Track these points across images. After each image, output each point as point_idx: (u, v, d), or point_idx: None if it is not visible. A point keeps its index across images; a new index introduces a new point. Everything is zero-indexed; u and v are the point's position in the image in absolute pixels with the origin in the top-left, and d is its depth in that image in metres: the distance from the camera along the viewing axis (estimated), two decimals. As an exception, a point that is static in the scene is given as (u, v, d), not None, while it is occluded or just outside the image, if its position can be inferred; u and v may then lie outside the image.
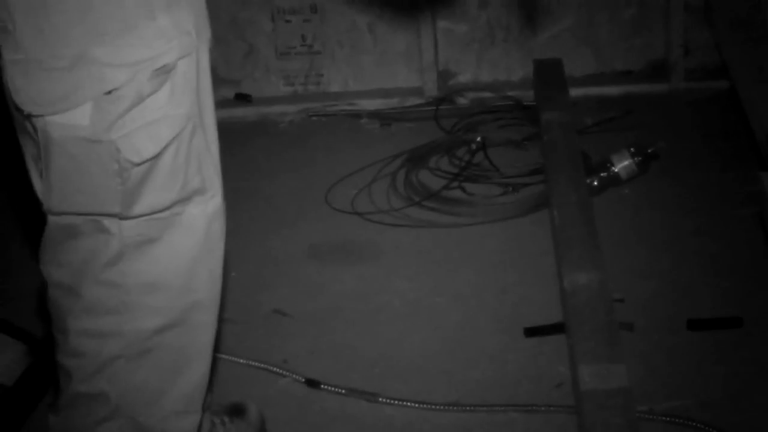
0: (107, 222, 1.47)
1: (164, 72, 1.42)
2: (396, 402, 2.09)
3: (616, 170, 2.76)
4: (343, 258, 2.59)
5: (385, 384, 2.15)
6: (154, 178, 1.46)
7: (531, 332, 2.26)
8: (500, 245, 2.58)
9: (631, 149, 2.78)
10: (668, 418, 1.98)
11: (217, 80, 3.24)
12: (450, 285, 2.45)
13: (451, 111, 3.21)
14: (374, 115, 3.23)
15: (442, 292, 2.42)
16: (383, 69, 3.31)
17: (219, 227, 1.56)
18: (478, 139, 3.00)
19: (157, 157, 1.44)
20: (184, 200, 1.50)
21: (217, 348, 1.95)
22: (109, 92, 1.39)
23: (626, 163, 2.77)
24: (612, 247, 2.45)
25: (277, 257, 2.60)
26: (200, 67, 1.49)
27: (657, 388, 2.07)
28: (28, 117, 1.42)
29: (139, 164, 1.43)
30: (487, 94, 3.26)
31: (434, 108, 3.21)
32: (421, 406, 2.08)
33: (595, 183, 2.74)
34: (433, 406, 2.08)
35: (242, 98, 3.29)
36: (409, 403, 2.09)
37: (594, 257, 2.28)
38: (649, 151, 2.79)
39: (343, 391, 2.13)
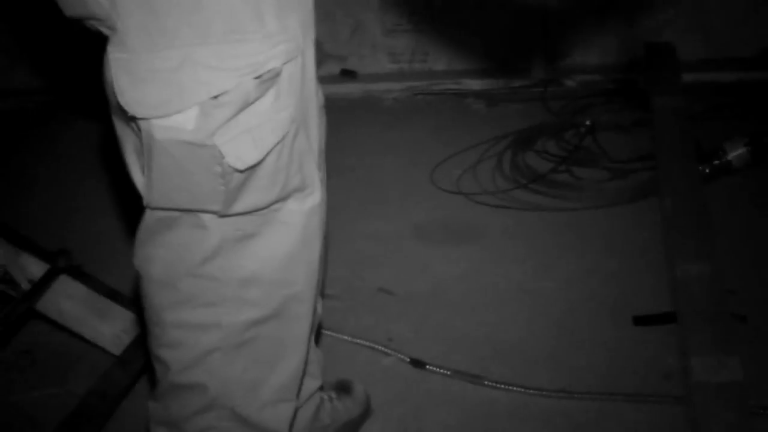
0: (205, 217, 1.46)
1: (270, 77, 1.40)
2: (501, 385, 2.07)
3: (728, 158, 2.70)
4: (448, 238, 2.57)
5: (489, 367, 2.13)
6: (256, 180, 1.44)
7: (640, 321, 2.22)
8: (607, 231, 2.55)
9: (745, 137, 2.72)
10: (782, 415, 1.94)
11: (324, 55, 3.27)
12: (556, 269, 2.42)
13: (558, 93, 3.17)
14: (480, 95, 3.21)
15: (549, 277, 2.39)
16: (488, 49, 3.28)
17: (317, 222, 1.55)
18: (587, 122, 2.96)
19: (261, 161, 1.43)
20: (284, 198, 1.49)
21: (321, 325, 1.96)
22: (215, 97, 1.36)
23: (739, 151, 2.71)
24: (724, 238, 2.40)
25: (381, 236, 2.59)
26: (305, 68, 1.47)
27: (770, 383, 2.02)
28: (132, 118, 1.40)
29: (242, 171, 1.41)
30: (595, 77, 3.21)
31: (541, 89, 3.17)
32: (527, 390, 2.06)
33: (707, 171, 2.68)
34: (539, 392, 2.05)
35: (348, 74, 3.29)
36: (514, 387, 2.07)
37: (707, 247, 2.23)
38: (765, 140, 2.73)
39: (449, 372, 2.11)
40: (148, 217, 1.49)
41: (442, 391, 2.08)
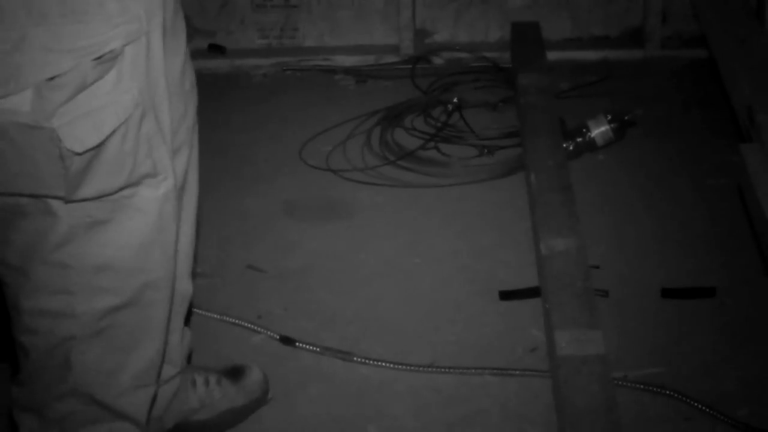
0: (53, 204, 1.44)
1: (110, 59, 1.37)
2: (371, 362, 2.09)
3: (592, 136, 2.76)
4: (318, 215, 2.58)
5: (359, 343, 2.14)
6: (99, 164, 1.42)
7: (506, 295, 2.26)
8: (476, 207, 2.58)
9: (608, 115, 2.78)
10: (642, 386, 1.99)
11: (192, 30, 3.22)
12: (426, 246, 2.44)
13: (427, 70, 3.19)
14: (349, 71, 3.21)
15: (418, 253, 2.42)
16: (360, 25, 3.29)
17: (171, 208, 1.54)
18: (455, 99, 2.99)
19: (102, 144, 1.40)
20: (134, 184, 1.47)
21: (191, 305, 1.94)
22: (51, 79, 1.34)
23: (603, 129, 2.77)
24: (587, 213, 2.45)
25: (251, 213, 2.58)
26: (151, 50, 1.44)
27: (631, 355, 2.08)
28: None
29: (81, 154, 1.39)
30: (463, 55, 3.24)
31: (410, 67, 3.19)
32: (396, 366, 2.08)
33: (571, 148, 2.74)
34: (409, 367, 2.08)
35: (216, 49, 3.26)
36: (384, 363, 2.09)
37: (571, 223, 2.28)
38: (626, 117, 2.79)
39: (318, 349, 2.12)
40: None
41: (313, 368, 2.09)
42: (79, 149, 1.38)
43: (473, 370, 2.07)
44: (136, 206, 1.48)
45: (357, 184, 2.69)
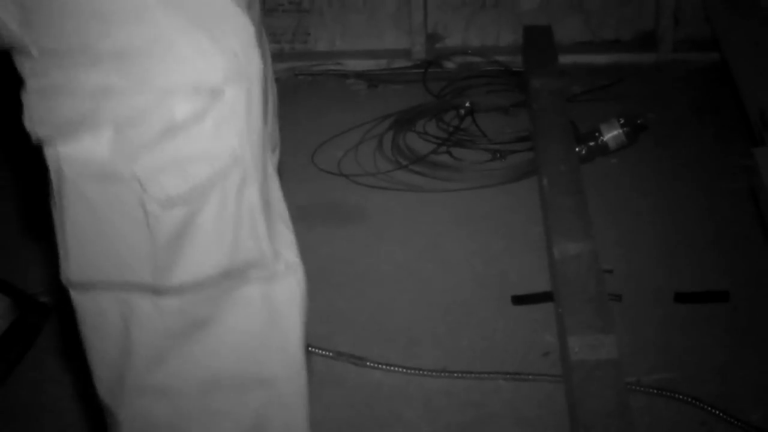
0: (141, 302, 1.16)
1: (204, 96, 1.13)
2: (383, 366, 2.09)
3: (604, 140, 2.76)
4: (330, 220, 2.58)
5: (372, 348, 2.14)
6: (193, 233, 1.15)
7: (519, 300, 2.26)
8: (488, 212, 2.58)
9: (620, 119, 2.77)
10: (656, 391, 1.99)
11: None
12: (438, 250, 2.44)
13: (439, 74, 3.19)
14: (361, 76, 3.21)
15: (431, 257, 2.42)
16: (371, 29, 3.29)
17: (287, 297, 1.23)
18: (467, 104, 2.99)
19: (195, 206, 1.14)
20: (238, 272, 1.18)
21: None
22: (133, 115, 1.12)
23: (615, 132, 2.76)
24: (599, 218, 2.45)
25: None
26: (251, 103, 1.17)
27: (644, 360, 2.07)
28: (40, 146, 1.15)
29: (165, 202, 1.13)
30: (475, 59, 3.24)
31: (422, 71, 3.20)
32: (409, 371, 2.08)
33: (583, 152, 2.73)
34: (421, 372, 2.07)
35: (228, 54, 3.26)
36: (396, 368, 2.09)
37: (584, 227, 2.28)
38: (639, 121, 2.79)
39: (331, 354, 2.12)
40: (76, 305, 1.20)
41: (326, 373, 2.09)
42: (162, 196, 1.13)
43: (486, 375, 2.06)
44: (241, 300, 1.19)
45: (369, 188, 2.69)
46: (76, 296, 1.19)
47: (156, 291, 1.16)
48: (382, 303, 2.28)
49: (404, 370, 2.08)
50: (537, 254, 2.38)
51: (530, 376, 2.06)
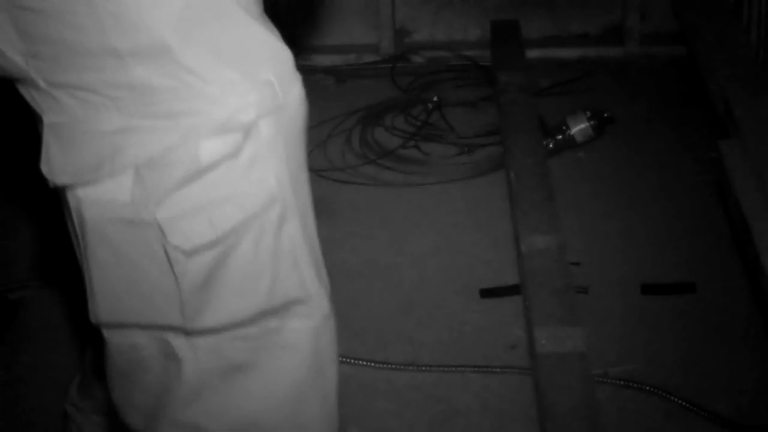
0: (176, 343, 1.12)
1: (236, 134, 1.06)
2: (352, 361, 2.09)
3: (571, 133, 2.77)
4: (299, 215, 2.57)
5: (340, 342, 2.13)
6: (224, 277, 1.09)
7: (487, 293, 2.27)
8: (456, 206, 2.58)
9: (587, 112, 2.78)
10: (622, 382, 2.00)
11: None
12: (407, 245, 2.44)
13: (407, 69, 3.19)
14: (329, 71, 3.21)
15: (399, 252, 2.42)
16: (339, 25, 3.29)
17: (328, 342, 1.19)
18: (434, 98, 2.99)
19: (226, 249, 1.08)
20: (279, 311, 1.13)
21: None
22: (157, 159, 1.05)
23: (582, 126, 2.77)
24: (566, 211, 2.46)
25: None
26: (294, 129, 1.11)
27: (611, 351, 2.09)
28: (59, 192, 1.11)
29: (189, 250, 1.07)
30: (443, 53, 3.25)
31: (390, 66, 3.20)
32: (377, 365, 2.08)
33: (551, 145, 2.74)
34: (390, 366, 2.08)
35: (196, 50, 3.25)
36: (365, 362, 2.09)
37: (551, 220, 2.29)
38: (605, 114, 2.80)
39: (299, 349, 2.12)
40: (108, 343, 1.16)
41: (294, 368, 2.09)
42: (187, 246, 1.07)
43: (454, 368, 2.07)
44: (284, 343, 1.14)
45: (337, 183, 2.69)
46: (107, 333, 1.15)
47: (188, 333, 1.11)
48: (350, 297, 2.28)
49: (373, 365, 2.09)
50: (505, 247, 2.39)
51: (498, 369, 2.07)
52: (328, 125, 2.91)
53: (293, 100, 1.10)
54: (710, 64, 2.57)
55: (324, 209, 2.58)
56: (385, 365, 2.08)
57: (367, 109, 2.99)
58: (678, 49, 3.14)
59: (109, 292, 1.11)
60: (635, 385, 1.99)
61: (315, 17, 3.27)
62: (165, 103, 1.05)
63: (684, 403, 1.95)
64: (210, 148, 1.05)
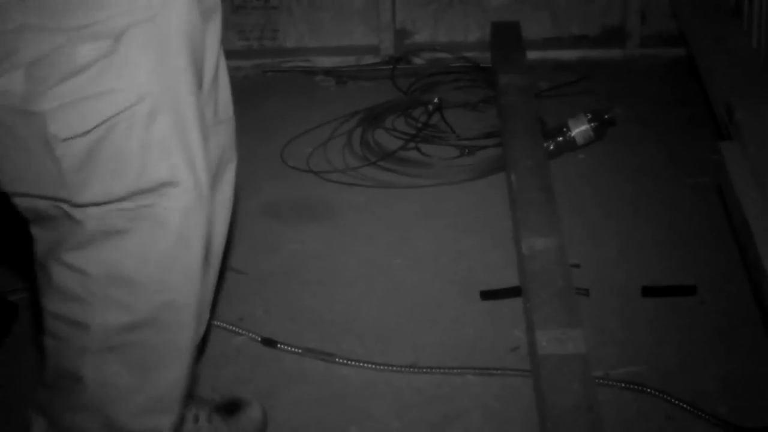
0: (69, 209, 1.37)
1: (107, 38, 1.28)
2: (352, 362, 2.09)
3: (572, 135, 2.77)
4: (299, 217, 2.58)
5: (341, 344, 2.14)
6: (99, 161, 1.33)
7: (487, 295, 2.26)
8: (457, 207, 2.58)
9: (588, 114, 2.78)
10: (623, 384, 2.00)
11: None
12: (407, 246, 2.44)
13: (407, 71, 3.20)
14: (330, 72, 3.21)
15: (400, 254, 2.42)
16: (340, 26, 3.29)
17: (196, 222, 1.42)
18: (435, 100, 2.99)
19: (100, 137, 1.31)
20: (150, 191, 1.37)
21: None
22: (43, 58, 1.27)
23: (582, 128, 2.77)
24: (567, 213, 2.46)
25: (232, 215, 2.56)
26: (169, 37, 1.33)
27: (612, 353, 2.08)
28: None
29: (64, 140, 1.31)
30: (443, 55, 3.25)
31: (391, 67, 3.20)
32: (378, 367, 2.08)
33: (551, 147, 2.74)
34: (390, 368, 2.08)
35: (196, 52, 3.25)
36: (365, 364, 2.09)
37: (552, 222, 2.29)
38: (606, 116, 2.80)
39: (300, 350, 2.12)
40: (18, 206, 1.42)
41: (294, 370, 2.09)
42: (62, 135, 1.30)
43: (455, 370, 2.07)
44: (156, 218, 1.39)
45: (338, 185, 2.69)
46: (16, 200, 1.40)
47: (76, 204, 1.36)
48: (350, 299, 2.28)
49: (373, 366, 2.08)
50: (505, 249, 2.39)
51: (499, 371, 2.06)
52: (329, 127, 2.91)
53: (172, 9, 1.32)
54: (711, 66, 2.57)
55: (325, 211, 2.60)
56: (385, 367, 2.08)
57: (368, 110, 2.99)
58: (678, 50, 3.15)
59: (10, 167, 1.35)
60: (636, 388, 1.99)
61: (315, 18, 3.28)
62: (58, 6, 1.25)
63: (685, 406, 1.94)
64: (86, 49, 1.27)
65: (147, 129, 1.34)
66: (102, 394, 1.50)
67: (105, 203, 1.37)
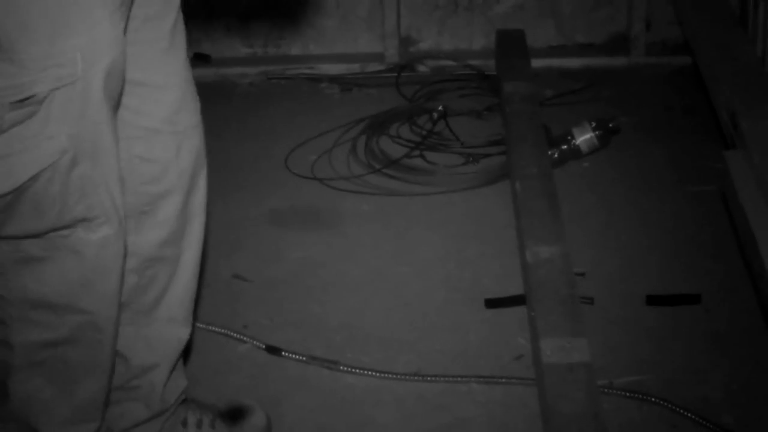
0: None
1: (32, 103, 1.33)
2: (357, 370, 2.09)
3: (576, 143, 2.77)
4: (304, 224, 2.58)
5: (346, 352, 2.14)
6: (22, 205, 1.39)
7: (492, 304, 2.26)
8: (461, 215, 2.58)
9: (592, 123, 2.78)
10: (628, 393, 2.00)
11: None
12: (412, 254, 2.44)
13: (412, 78, 3.20)
14: (335, 79, 3.21)
15: (404, 262, 2.42)
16: (345, 34, 3.29)
17: (114, 253, 1.49)
18: (440, 107, 2.99)
19: (24, 189, 1.37)
20: (67, 227, 1.44)
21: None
22: None
23: (587, 136, 2.77)
24: (571, 221, 2.46)
25: (236, 222, 2.57)
26: (90, 94, 1.37)
27: (616, 362, 2.08)
28: None
29: None
30: (448, 63, 3.25)
31: (395, 75, 3.20)
32: (382, 375, 2.08)
33: (556, 155, 2.74)
34: (394, 376, 2.08)
35: (201, 58, 3.26)
36: (369, 372, 2.09)
37: (556, 231, 2.29)
38: (610, 125, 2.80)
39: (304, 358, 2.12)
40: None
41: (299, 378, 2.09)
42: None
43: (459, 379, 2.07)
44: (72, 247, 1.45)
45: (342, 192, 2.69)
46: None
47: None
48: (355, 307, 2.28)
49: (377, 374, 2.08)
50: (510, 257, 2.39)
51: (503, 380, 2.06)
52: (333, 134, 2.91)
53: (100, 68, 1.35)
54: (716, 74, 2.56)
55: (329, 218, 2.60)
56: (389, 375, 2.08)
57: (373, 117, 2.99)
58: (683, 58, 3.15)
59: None
60: (640, 397, 1.99)
61: (320, 26, 3.28)
62: None
63: (689, 415, 1.94)
64: (11, 114, 1.31)
65: (68, 174, 1.39)
66: (26, 407, 1.55)
67: (22, 237, 1.43)
